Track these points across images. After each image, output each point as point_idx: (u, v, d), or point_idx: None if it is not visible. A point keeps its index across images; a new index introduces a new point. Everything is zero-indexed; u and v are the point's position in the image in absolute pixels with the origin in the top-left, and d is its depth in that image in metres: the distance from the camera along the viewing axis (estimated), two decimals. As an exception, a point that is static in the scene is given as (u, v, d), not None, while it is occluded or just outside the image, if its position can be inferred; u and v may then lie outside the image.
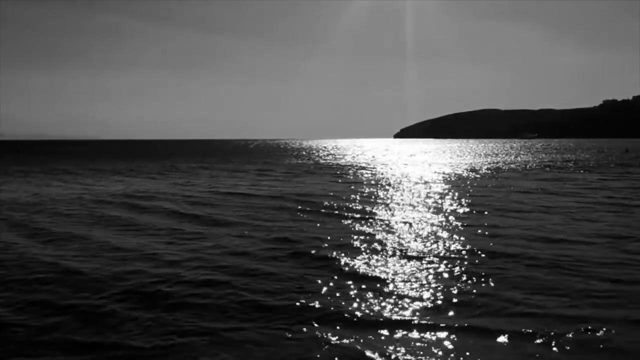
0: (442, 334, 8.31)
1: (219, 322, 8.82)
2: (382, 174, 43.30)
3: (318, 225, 17.69)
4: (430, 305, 9.56)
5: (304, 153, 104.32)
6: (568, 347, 7.81)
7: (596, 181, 34.97)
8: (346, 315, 9.09)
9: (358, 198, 24.84)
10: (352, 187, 31.23)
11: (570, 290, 10.34)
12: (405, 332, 8.40)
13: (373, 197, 25.51)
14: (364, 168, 51.89)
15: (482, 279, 11.03)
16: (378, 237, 15.42)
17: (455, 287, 10.51)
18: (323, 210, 20.91)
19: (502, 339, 8.12)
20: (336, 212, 20.56)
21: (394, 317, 9.01)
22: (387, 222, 18.10)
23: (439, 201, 23.75)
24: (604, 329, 8.39)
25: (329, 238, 15.27)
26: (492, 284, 10.73)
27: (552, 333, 8.23)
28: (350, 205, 22.13)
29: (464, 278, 11.13)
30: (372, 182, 34.87)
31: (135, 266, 12.29)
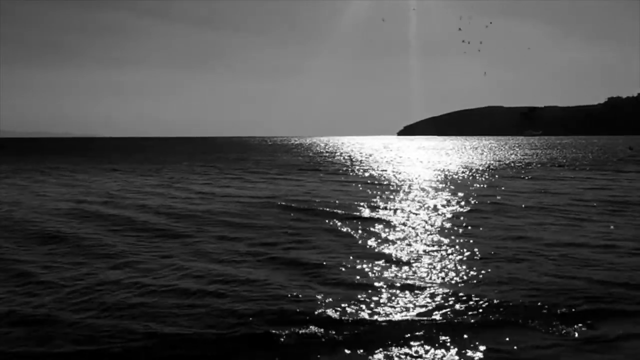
0: (421, 346, 7.84)
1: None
2: (372, 173, 42.04)
3: (300, 229, 16.61)
4: (413, 315, 9.03)
5: (300, 150, 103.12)
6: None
7: (593, 180, 33.82)
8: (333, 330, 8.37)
9: (345, 200, 23.57)
10: (341, 188, 30.13)
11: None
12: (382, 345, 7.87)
13: (360, 199, 24.21)
14: (356, 167, 50.66)
15: (466, 289, 10.23)
16: (360, 241, 14.71)
17: (435, 297, 9.89)
18: (305, 214, 19.68)
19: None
20: (320, 214, 19.51)
21: (375, 327, 8.50)
22: (370, 224, 17.24)
23: (423, 202, 22.46)
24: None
25: (310, 243, 14.48)
26: (475, 291, 10.06)
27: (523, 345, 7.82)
28: (335, 208, 20.85)
29: (444, 286, 10.41)
30: (362, 182, 33.74)
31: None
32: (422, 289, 10.32)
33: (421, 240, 14.69)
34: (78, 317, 8.96)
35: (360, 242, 14.69)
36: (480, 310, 9.16)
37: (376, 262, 12.32)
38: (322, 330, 8.32)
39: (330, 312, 9.04)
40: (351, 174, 41.39)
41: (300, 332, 8.23)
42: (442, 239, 14.97)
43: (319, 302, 9.53)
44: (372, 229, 16.52)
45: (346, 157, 72.46)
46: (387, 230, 16.30)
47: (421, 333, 8.29)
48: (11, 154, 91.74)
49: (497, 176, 38.12)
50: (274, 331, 8.22)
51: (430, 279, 11.02)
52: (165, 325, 8.57)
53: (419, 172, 43.38)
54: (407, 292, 10.16)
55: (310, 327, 8.41)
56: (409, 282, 10.78)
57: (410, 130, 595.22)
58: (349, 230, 16.35)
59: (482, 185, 31.19)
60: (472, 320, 8.76)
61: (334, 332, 8.27)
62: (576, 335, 8.21)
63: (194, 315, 9.01)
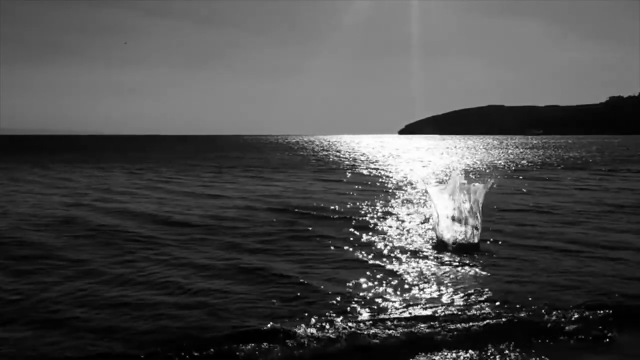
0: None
1: None
2: (365, 173, 41.73)
3: (285, 232, 16.12)
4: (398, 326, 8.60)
5: (297, 149, 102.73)
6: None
7: (592, 180, 33.45)
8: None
9: (335, 201, 23.03)
10: (332, 187, 29.76)
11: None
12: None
13: (351, 199, 23.76)
14: (350, 166, 50.20)
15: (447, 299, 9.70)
16: (345, 246, 14.15)
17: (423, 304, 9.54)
18: (293, 217, 19.16)
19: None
20: (309, 217, 18.98)
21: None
22: (358, 227, 16.76)
23: (415, 204, 22.05)
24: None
25: (289, 249, 13.95)
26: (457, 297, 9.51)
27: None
28: (323, 211, 20.36)
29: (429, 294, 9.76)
30: (355, 182, 33.30)
31: None
32: (413, 296, 9.97)
33: (413, 244, 14.31)
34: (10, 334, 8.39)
35: (344, 247, 14.21)
36: (479, 315, 8.93)
37: (361, 270, 11.87)
38: (295, 346, 7.89)
39: (301, 327, 8.50)
40: (344, 172, 41.04)
41: (270, 350, 7.75)
42: (435, 241, 14.64)
43: (289, 317, 9.03)
44: (357, 232, 16.09)
45: (341, 156, 72.23)
46: (375, 233, 15.87)
47: (414, 343, 7.99)
48: (10, 153, 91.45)
49: (493, 176, 37.78)
50: (241, 348, 7.73)
51: (422, 284, 10.69)
52: (122, 343, 8.04)
53: (413, 171, 43.06)
54: (399, 298, 9.84)
55: (285, 343, 7.95)
56: (400, 288, 10.46)
57: (411, 128, 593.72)
58: (336, 234, 15.92)
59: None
60: (471, 325, 8.50)
61: (305, 349, 7.85)
62: (577, 336, 8.15)
63: (152, 330, 8.52)
